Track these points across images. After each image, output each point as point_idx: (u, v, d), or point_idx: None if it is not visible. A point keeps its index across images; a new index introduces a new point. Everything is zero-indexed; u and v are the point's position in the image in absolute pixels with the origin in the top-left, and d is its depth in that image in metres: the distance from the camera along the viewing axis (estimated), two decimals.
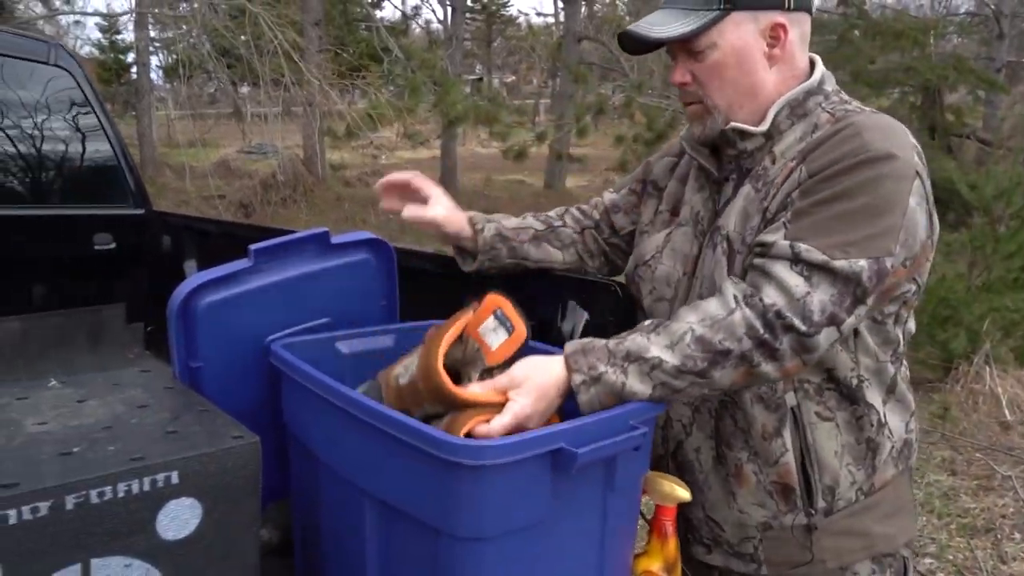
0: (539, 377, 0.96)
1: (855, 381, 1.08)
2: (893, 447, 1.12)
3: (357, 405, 0.95)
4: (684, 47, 1.07)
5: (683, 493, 1.09)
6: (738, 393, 1.07)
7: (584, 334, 1.38)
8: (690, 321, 0.96)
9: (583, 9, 14.60)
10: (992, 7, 11.93)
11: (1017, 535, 2.86)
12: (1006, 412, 3.83)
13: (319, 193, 10.79)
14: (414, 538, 0.92)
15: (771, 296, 0.94)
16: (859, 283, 0.94)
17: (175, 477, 0.86)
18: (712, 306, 0.97)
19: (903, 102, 8.61)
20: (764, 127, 1.07)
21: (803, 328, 0.93)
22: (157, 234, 2.53)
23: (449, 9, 12.49)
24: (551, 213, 1.40)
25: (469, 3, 24.42)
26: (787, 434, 1.08)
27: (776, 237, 0.97)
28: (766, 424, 1.08)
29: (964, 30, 13.52)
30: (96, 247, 2.45)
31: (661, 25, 1.07)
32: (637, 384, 0.95)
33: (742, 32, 1.05)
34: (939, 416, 3.80)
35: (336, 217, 10.15)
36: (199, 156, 10.24)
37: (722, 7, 1.04)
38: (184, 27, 8.80)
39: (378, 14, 16.32)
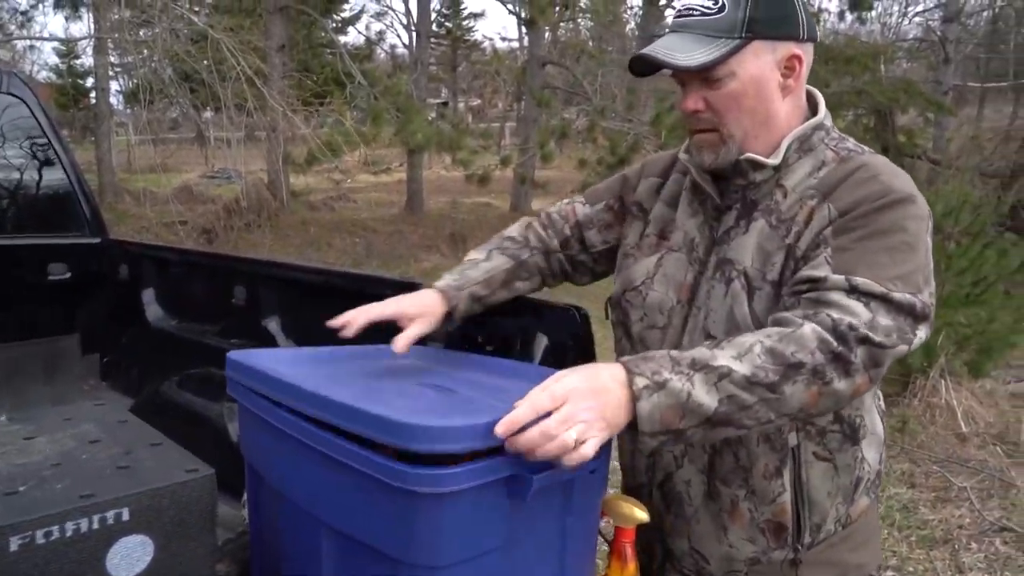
0: (583, 378, 0.87)
1: (858, 420, 1.09)
2: (869, 479, 1.14)
3: (311, 434, 0.95)
4: (699, 74, 1.04)
5: (642, 515, 1.10)
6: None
7: (543, 359, 1.39)
8: (756, 336, 0.91)
9: (547, 34, 14.82)
10: (938, 33, 12.42)
11: (974, 545, 2.92)
12: (961, 424, 3.93)
13: (283, 218, 10.70)
14: (372, 568, 0.91)
15: (838, 315, 0.91)
16: (914, 313, 0.94)
17: (125, 514, 0.85)
18: (775, 327, 0.93)
19: (857, 124, 8.88)
20: (777, 160, 1.06)
21: (877, 339, 0.90)
22: (114, 263, 2.48)
23: (414, 34, 12.58)
24: (515, 233, 1.34)
25: (434, 28, 24.62)
26: (786, 474, 1.07)
27: (824, 272, 0.95)
28: (768, 464, 1.07)
29: (912, 55, 14.05)
30: (51, 277, 2.41)
31: (681, 52, 1.02)
32: (703, 395, 0.86)
33: (761, 62, 1.03)
34: (898, 429, 3.88)
35: (300, 241, 10.07)
36: (160, 182, 10.10)
37: (743, 35, 1.01)
38: (145, 52, 8.72)
39: (343, 39, 16.36)
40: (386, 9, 21.81)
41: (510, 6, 12.82)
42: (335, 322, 1.19)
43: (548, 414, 0.83)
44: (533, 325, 1.37)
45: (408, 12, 14.34)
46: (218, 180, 13.78)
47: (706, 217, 1.13)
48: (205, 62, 8.24)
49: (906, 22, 20.84)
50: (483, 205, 13.61)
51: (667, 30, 1.08)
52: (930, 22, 14.68)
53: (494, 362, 1.25)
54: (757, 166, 1.06)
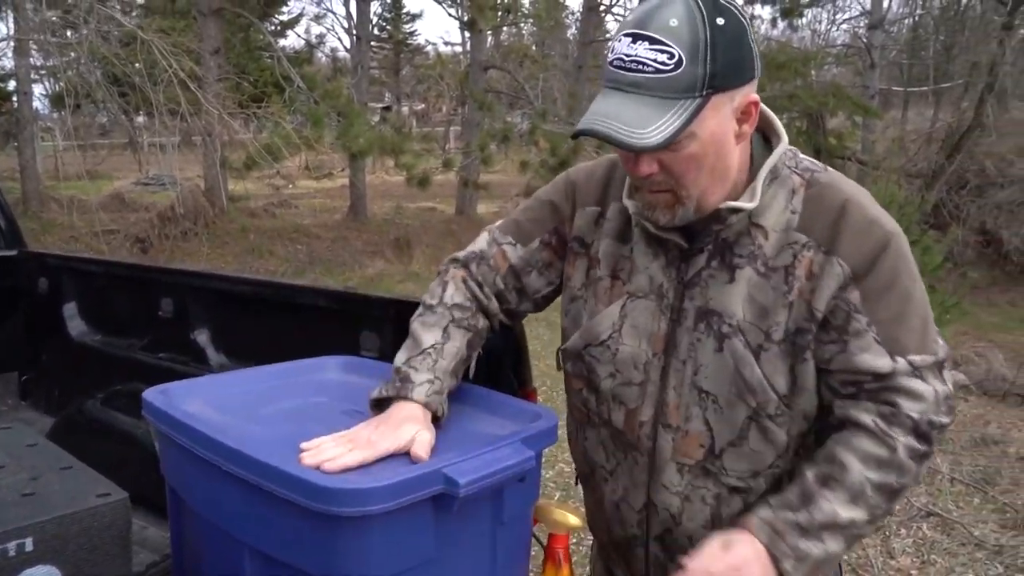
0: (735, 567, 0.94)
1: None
2: None
3: (232, 455, 0.92)
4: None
5: (575, 521, 1.11)
6: (755, 479, 1.03)
7: (477, 372, 1.38)
8: (858, 469, 0.95)
9: (489, 39, 14.86)
10: (864, 40, 12.95)
11: (903, 531, 3.05)
12: None
13: (222, 225, 10.41)
14: None
15: (913, 407, 0.95)
16: (946, 358, 0.99)
17: (29, 544, 0.80)
18: (866, 444, 0.95)
19: (790, 128, 9.20)
20: (755, 202, 0.97)
21: (947, 420, 0.97)
22: (32, 276, 2.37)
23: (355, 38, 12.42)
24: (460, 299, 1.13)
25: (376, 32, 24.40)
26: None
27: (883, 362, 0.95)
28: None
29: (840, 61, 14.59)
30: None
31: (636, 124, 0.87)
32: (835, 546, 0.96)
33: (720, 116, 0.91)
34: None
35: (240, 249, 9.81)
36: (89, 189, 9.71)
37: (702, 93, 0.88)
38: (72, 54, 8.36)
39: (282, 43, 16.06)
40: (326, 12, 21.49)
41: (451, 10, 12.80)
42: (308, 461, 0.89)
43: None
44: None
45: (349, 15, 14.17)
46: (152, 187, 13.32)
47: (671, 259, 1.03)
48: (137, 65, 7.96)
49: (834, 29, 21.73)
50: (428, 210, 13.53)
51: (609, 85, 0.91)
52: (857, 29, 15.29)
53: None
54: (736, 211, 0.98)
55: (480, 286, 1.15)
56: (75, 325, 2.33)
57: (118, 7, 9.66)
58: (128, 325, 2.20)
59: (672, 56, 0.86)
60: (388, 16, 27.25)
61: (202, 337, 1.97)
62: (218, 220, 10.29)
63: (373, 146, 7.63)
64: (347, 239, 10.72)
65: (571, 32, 20.51)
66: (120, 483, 0.96)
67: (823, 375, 0.99)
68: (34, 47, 10.35)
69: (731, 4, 0.90)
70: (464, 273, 1.16)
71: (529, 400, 1.30)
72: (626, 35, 0.89)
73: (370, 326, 1.55)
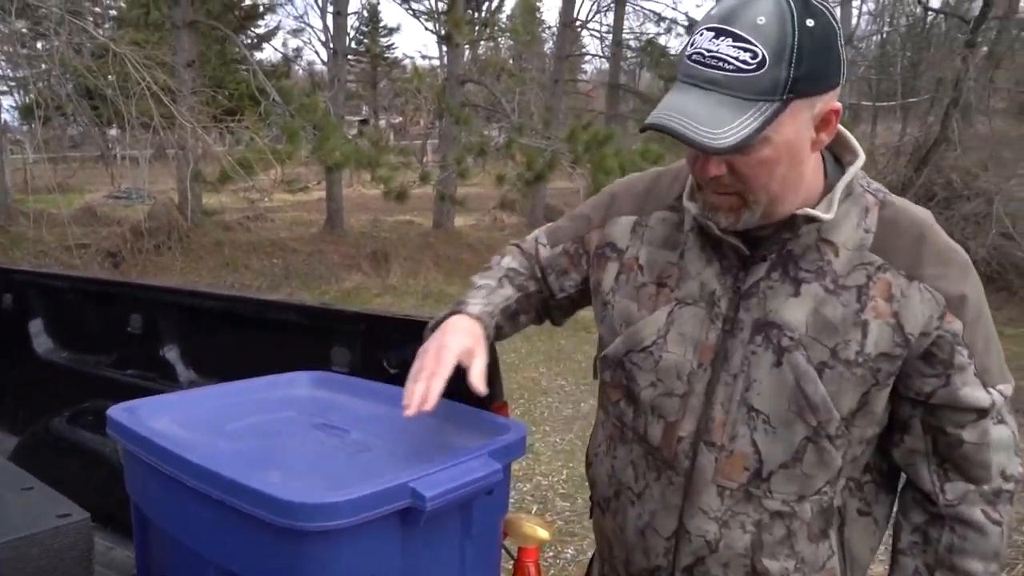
0: None
1: (885, 465, 1.05)
2: None
3: (197, 472, 0.91)
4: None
5: (543, 534, 1.11)
6: (800, 503, 0.98)
7: (446, 385, 1.38)
8: (982, 571, 0.98)
9: (467, 52, 14.92)
10: None
11: None
12: None
13: (196, 239, 10.29)
14: None
15: (1006, 465, 0.97)
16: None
17: None
18: (982, 545, 0.97)
19: None
20: (831, 214, 0.94)
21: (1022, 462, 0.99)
22: None
23: (332, 51, 12.40)
24: (516, 264, 1.19)
25: (353, 45, 24.39)
26: (833, 535, 1.01)
27: (982, 395, 0.94)
28: (812, 526, 0.99)
29: None
30: None
31: (708, 123, 0.83)
32: None
33: (798, 123, 0.87)
34: None
35: (215, 263, 9.70)
36: (59, 203, 9.55)
37: (783, 97, 0.83)
38: (43, 66, 8.24)
39: (258, 56, 15.99)
40: (303, 26, 21.43)
41: (428, 24, 12.85)
42: (410, 411, 0.95)
43: None
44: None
45: (326, 28, 14.15)
46: (125, 200, 13.14)
47: (726, 266, 0.98)
48: (109, 77, 7.88)
49: None
50: (405, 223, 13.50)
51: (684, 80, 0.87)
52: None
53: (393, 391, 1.24)
54: (811, 221, 0.93)
55: (526, 264, 1.19)
56: (41, 342, 2.29)
57: (90, 19, 9.54)
58: (96, 342, 2.17)
59: (756, 55, 0.82)
60: (365, 30, 27.28)
61: (171, 353, 1.95)
62: (192, 234, 10.17)
63: (350, 159, 7.61)
64: (323, 252, 10.65)
65: (548, 46, 20.69)
66: (86, 502, 0.95)
67: (914, 405, 0.97)
68: (2, 58, 10.20)
69: (823, 5, 0.85)
70: (518, 250, 1.22)
71: (500, 414, 1.30)
72: (708, 29, 0.84)
73: (341, 341, 1.55)
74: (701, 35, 0.85)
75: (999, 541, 0.98)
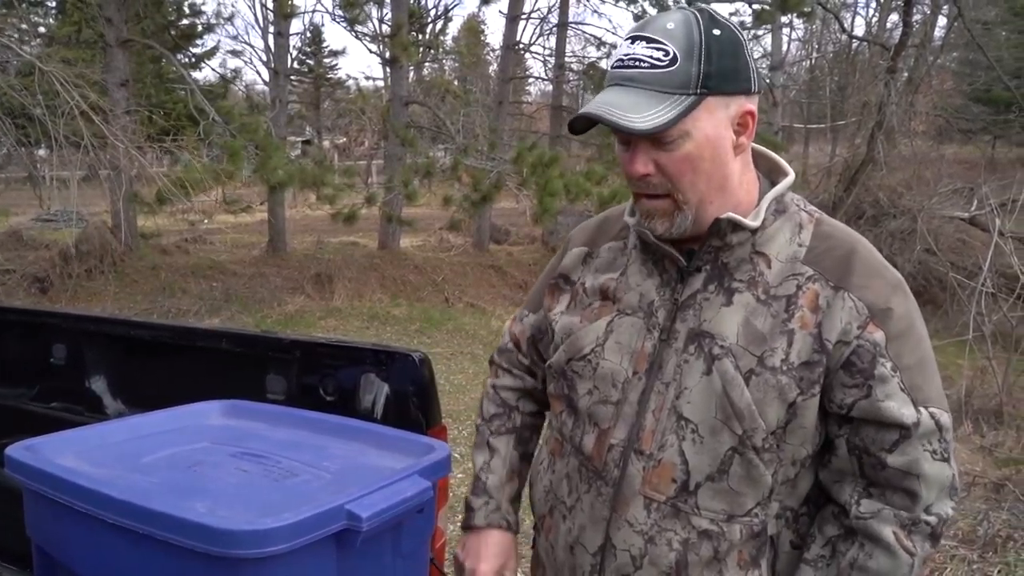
0: None
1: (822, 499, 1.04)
2: None
3: (118, 507, 0.87)
4: (650, 136, 0.93)
5: None
6: (729, 523, 0.98)
7: (385, 405, 1.37)
8: None
9: (411, 73, 14.95)
10: (767, 80, 13.77)
11: None
12: None
13: (130, 263, 9.93)
14: None
15: (933, 502, 0.94)
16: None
17: None
18: (888, 569, 0.94)
19: None
20: (757, 222, 0.98)
21: (955, 507, 0.96)
22: None
23: (273, 72, 12.25)
24: (493, 409, 1.23)
25: (296, 66, 24.15)
26: (764, 565, 1.00)
27: (908, 412, 0.93)
28: (742, 552, 0.98)
29: None
30: None
31: (632, 112, 0.91)
32: None
33: (715, 120, 0.93)
34: None
35: (150, 288, 9.37)
36: None
37: (698, 91, 0.91)
38: None
39: (197, 75, 15.67)
40: (243, 46, 21.16)
41: (372, 46, 12.82)
42: None
43: None
44: (373, 372, 1.35)
45: (268, 48, 13.99)
46: (54, 223, 12.62)
47: (666, 279, 1.02)
48: (37, 96, 7.59)
49: None
50: (350, 244, 13.33)
51: (609, 82, 0.95)
52: (759, 69, 16.22)
53: (309, 417, 1.22)
54: (736, 227, 0.97)
55: (509, 373, 1.24)
56: None
57: (16, 36, 9.21)
58: (17, 374, 2.07)
59: (667, 53, 0.91)
60: (308, 50, 27.05)
61: (99, 384, 1.87)
62: (126, 258, 9.83)
63: (293, 178, 7.50)
64: (265, 275, 10.41)
65: (492, 68, 20.91)
66: (16, 544, 0.90)
67: (839, 422, 0.96)
68: None
69: (728, 22, 0.94)
70: (492, 377, 1.26)
71: (439, 438, 1.29)
72: (626, 39, 0.94)
73: (276, 369, 1.51)
74: (620, 45, 0.96)
75: (907, 573, 0.94)
